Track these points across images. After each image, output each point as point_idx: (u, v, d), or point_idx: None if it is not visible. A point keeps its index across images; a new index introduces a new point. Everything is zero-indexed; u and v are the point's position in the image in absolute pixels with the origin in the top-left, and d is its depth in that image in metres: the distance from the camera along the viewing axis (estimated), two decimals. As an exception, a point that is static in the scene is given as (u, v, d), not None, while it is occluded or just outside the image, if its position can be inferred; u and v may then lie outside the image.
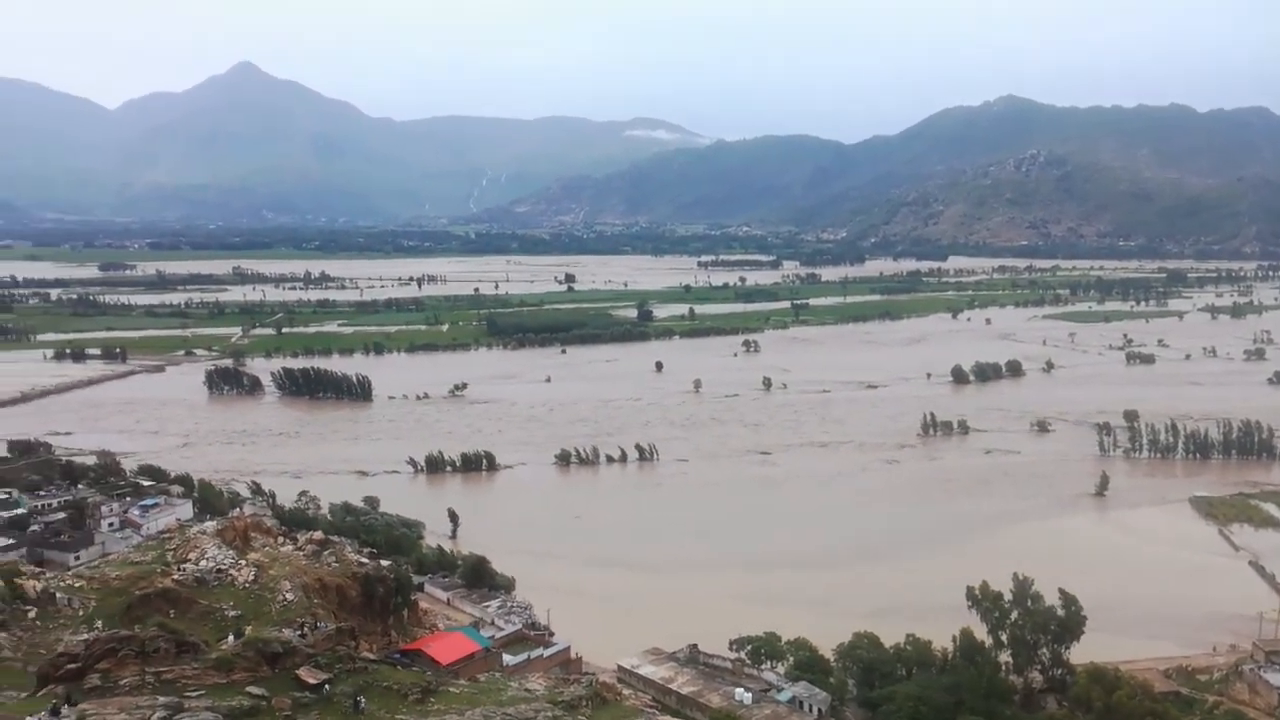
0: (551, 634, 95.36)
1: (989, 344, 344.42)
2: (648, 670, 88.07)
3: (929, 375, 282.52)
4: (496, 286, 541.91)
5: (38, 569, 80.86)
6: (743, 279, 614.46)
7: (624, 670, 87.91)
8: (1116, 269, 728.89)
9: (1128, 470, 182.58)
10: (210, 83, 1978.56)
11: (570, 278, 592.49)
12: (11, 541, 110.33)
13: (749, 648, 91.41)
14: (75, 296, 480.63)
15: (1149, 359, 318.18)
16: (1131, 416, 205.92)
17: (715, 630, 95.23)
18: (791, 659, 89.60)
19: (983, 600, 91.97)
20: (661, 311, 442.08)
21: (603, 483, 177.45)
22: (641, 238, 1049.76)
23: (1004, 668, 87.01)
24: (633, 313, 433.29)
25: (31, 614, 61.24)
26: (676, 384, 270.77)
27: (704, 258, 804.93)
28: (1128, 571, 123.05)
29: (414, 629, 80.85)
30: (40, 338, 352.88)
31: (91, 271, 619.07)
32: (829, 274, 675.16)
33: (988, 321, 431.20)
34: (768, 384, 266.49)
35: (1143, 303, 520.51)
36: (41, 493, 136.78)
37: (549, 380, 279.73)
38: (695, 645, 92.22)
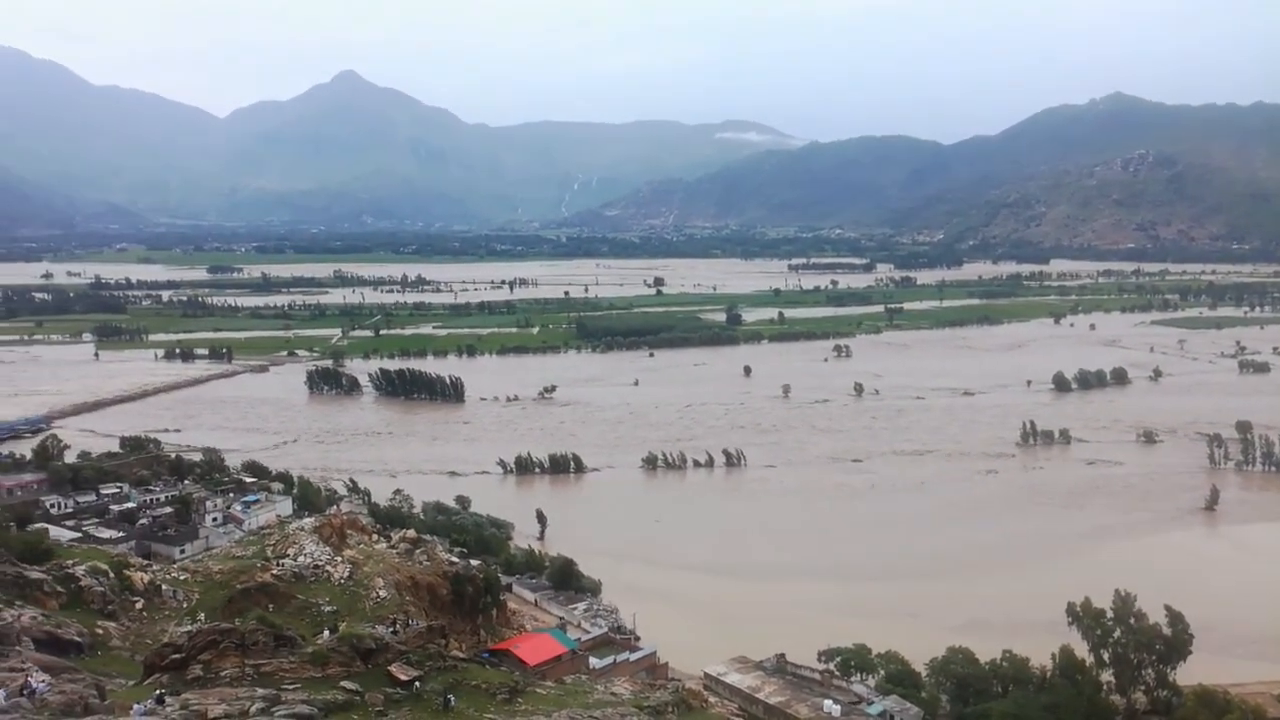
0: (638, 638, 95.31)
1: (1093, 350, 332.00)
2: (734, 678, 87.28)
3: (1029, 382, 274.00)
4: (586, 290, 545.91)
5: (145, 561, 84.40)
6: (834, 282, 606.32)
7: (710, 677, 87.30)
8: (1230, 273, 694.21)
9: (1240, 484, 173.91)
10: (315, 91, 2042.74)
11: (659, 281, 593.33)
12: (121, 534, 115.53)
13: (838, 659, 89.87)
14: (185, 298, 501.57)
15: (1263, 368, 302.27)
16: (1244, 428, 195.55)
17: (803, 640, 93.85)
18: (882, 672, 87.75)
19: (1084, 617, 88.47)
20: (750, 315, 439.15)
21: (689, 487, 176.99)
22: (731, 241, 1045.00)
23: (1106, 688, 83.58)
24: (721, 316, 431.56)
25: (139, 605, 63.89)
26: (765, 389, 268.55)
27: (795, 261, 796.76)
28: (1238, 589, 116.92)
29: (502, 629, 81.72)
30: (152, 338, 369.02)
31: (201, 274, 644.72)
32: (925, 277, 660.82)
33: (1092, 327, 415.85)
34: (859, 390, 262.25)
35: (1258, 308, 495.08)
36: (150, 488, 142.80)
37: (636, 383, 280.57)
38: (783, 655, 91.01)
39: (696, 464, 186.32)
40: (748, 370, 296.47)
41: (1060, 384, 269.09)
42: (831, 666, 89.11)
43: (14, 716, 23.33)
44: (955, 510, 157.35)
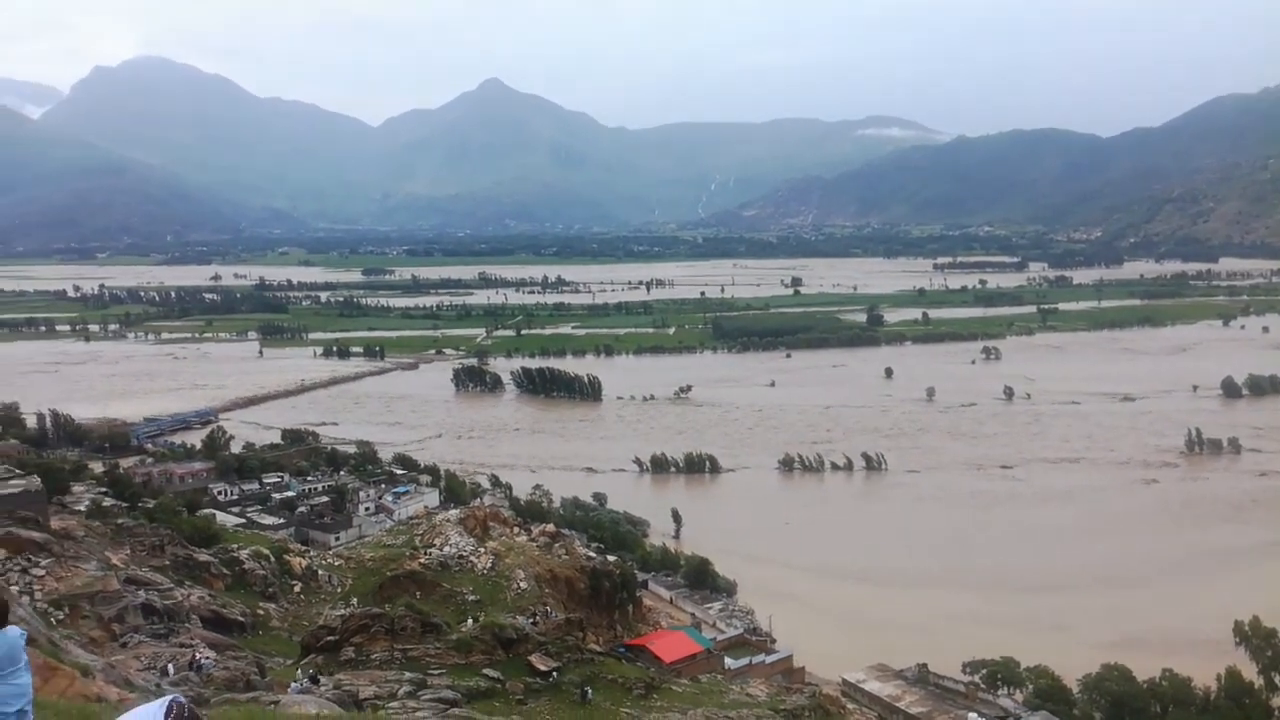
0: (773, 641, 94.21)
1: (1266, 354, 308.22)
2: (873, 686, 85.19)
3: (1195, 388, 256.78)
4: (722, 290, 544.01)
5: (303, 547, 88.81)
6: (983, 282, 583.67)
7: (848, 684, 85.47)
8: None
9: None
10: (461, 99, 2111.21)
11: (797, 281, 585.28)
12: (282, 521, 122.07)
13: (984, 671, 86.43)
14: (342, 299, 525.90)
15: None
16: None
17: (944, 650, 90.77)
18: (1031, 687, 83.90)
19: (1253, 637, 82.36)
20: (892, 316, 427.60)
21: (827, 491, 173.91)
22: (873, 240, 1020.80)
23: (1276, 713, 77.47)
24: (861, 317, 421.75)
25: (297, 588, 67.28)
26: (908, 391, 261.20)
27: (940, 260, 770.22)
28: None
29: (638, 625, 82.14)
30: (311, 336, 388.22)
31: (356, 276, 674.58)
32: (1081, 276, 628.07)
33: (1265, 329, 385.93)
34: (1009, 394, 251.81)
35: None
36: (308, 478, 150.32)
37: (773, 384, 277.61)
38: (925, 664, 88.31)
39: (835, 467, 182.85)
40: (889, 372, 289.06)
41: (1229, 389, 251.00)
42: (977, 679, 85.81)
43: (183, 689, 24.75)
44: (1110, 521, 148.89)
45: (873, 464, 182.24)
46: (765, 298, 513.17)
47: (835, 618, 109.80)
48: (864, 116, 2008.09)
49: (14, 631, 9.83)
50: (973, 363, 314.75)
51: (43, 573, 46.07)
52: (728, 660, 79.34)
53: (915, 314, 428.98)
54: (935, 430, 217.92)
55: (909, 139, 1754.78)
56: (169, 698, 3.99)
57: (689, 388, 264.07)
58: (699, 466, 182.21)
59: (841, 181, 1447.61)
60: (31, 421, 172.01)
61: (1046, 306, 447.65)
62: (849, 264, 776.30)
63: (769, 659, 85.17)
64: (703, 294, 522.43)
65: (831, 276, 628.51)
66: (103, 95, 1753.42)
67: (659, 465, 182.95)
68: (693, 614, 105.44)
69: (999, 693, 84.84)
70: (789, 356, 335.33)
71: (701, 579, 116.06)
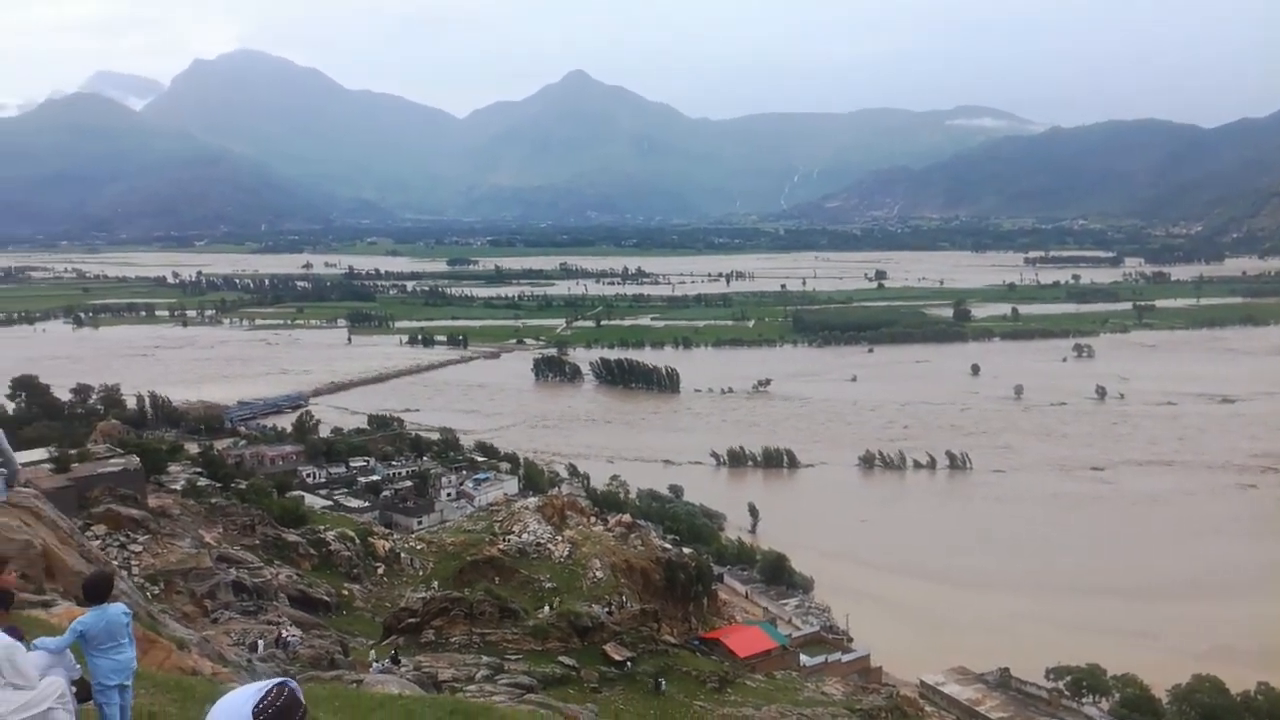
0: (850, 639, 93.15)
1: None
2: (953, 689, 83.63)
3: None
4: (804, 283, 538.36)
5: (387, 530, 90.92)
6: (1076, 277, 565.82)
7: (926, 686, 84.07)
8: None
9: None
10: (545, 91, 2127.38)
11: (881, 274, 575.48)
12: (367, 504, 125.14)
13: (1068, 678, 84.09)
14: (427, 288, 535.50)
15: None
16: None
17: (1028, 655, 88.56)
18: (1117, 695, 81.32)
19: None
20: (980, 311, 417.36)
21: (908, 489, 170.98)
22: (961, 232, 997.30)
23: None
24: (948, 312, 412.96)
25: (380, 570, 68.93)
26: (995, 389, 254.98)
27: (1031, 254, 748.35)
28: None
29: (713, 618, 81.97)
30: (397, 325, 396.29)
31: (440, 266, 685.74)
32: (1179, 273, 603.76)
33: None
34: (1102, 393, 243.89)
35: None
36: (393, 463, 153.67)
37: (854, 379, 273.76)
38: (1006, 669, 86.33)
39: (917, 465, 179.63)
40: (976, 369, 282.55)
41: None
42: (1061, 685, 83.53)
43: (270, 665, 25.59)
44: (1204, 527, 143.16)
45: (956, 463, 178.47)
46: (848, 291, 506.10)
47: (914, 618, 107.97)
48: (954, 106, 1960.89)
49: (118, 608, 10.26)
50: (1064, 361, 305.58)
51: (140, 548, 48.05)
52: (803, 657, 78.72)
53: (1004, 309, 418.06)
54: (1022, 429, 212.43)
55: (1000, 129, 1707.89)
56: (274, 680, 4.11)
57: (768, 381, 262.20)
58: (777, 461, 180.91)
59: (929, 173, 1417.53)
60: (131, 403, 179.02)
61: (1143, 303, 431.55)
62: (936, 257, 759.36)
63: (845, 657, 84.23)
64: (783, 287, 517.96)
65: (917, 270, 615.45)
66: (201, 88, 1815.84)
67: (736, 459, 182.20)
68: (768, 609, 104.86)
69: (1084, 701, 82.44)
70: (871, 351, 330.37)
71: (778, 574, 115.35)
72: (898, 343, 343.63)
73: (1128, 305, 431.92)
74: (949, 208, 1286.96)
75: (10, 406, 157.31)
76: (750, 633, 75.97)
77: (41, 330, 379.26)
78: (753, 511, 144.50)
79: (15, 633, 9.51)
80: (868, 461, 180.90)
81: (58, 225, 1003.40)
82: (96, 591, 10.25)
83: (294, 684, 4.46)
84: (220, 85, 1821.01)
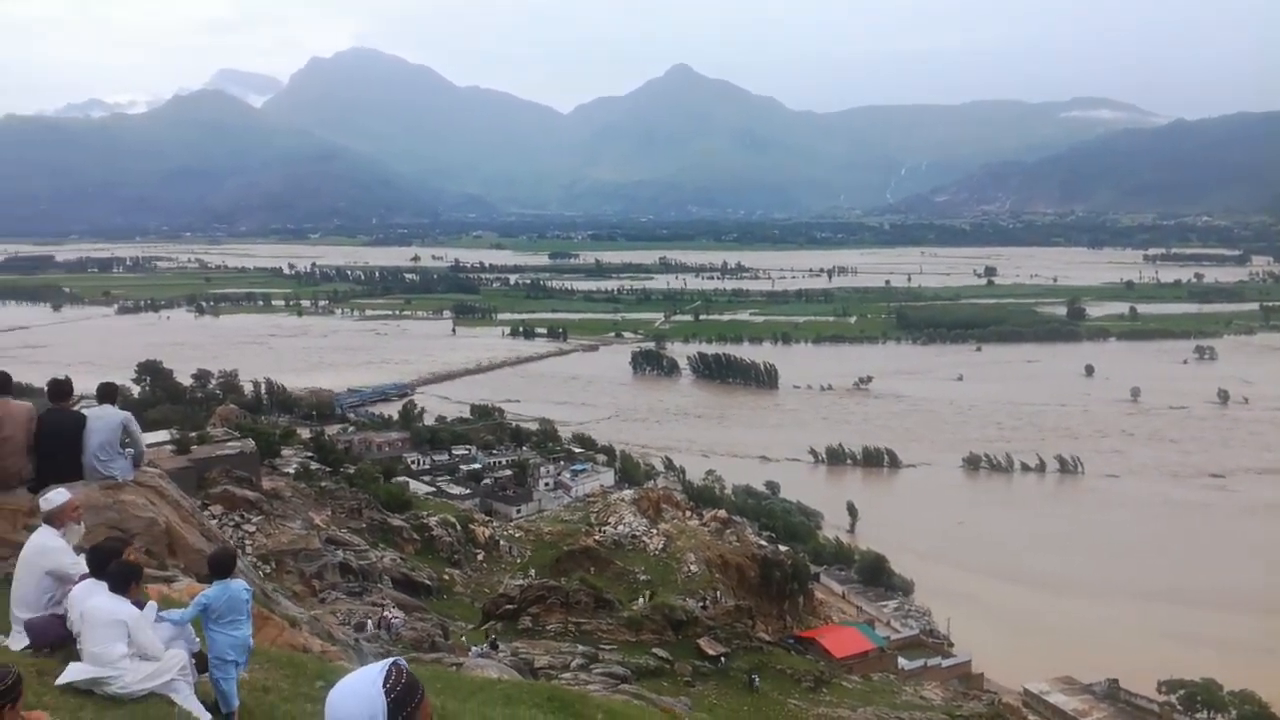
0: (951, 644, 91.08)
1: None
2: (1058, 699, 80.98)
3: None
4: (909, 279, 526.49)
5: (487, 518, 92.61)
6: (1199, 275, 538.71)
7: (1030, 695, 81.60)
8: None
9: None
10: (649, 86, 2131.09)
11: (990, 271, 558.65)
12: (468, 492, 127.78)
13: (1181, 692, 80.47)
14: (528, 281, 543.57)
15: None
16: None
17: (1138, 666, 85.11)
18: (1234, 713, 77.45)
19: None
20: (1096, 310, 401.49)
21: (1014, 492, 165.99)
22: (1076, 228, 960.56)
23: None
24: (1061, 310, 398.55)
25: (480, 557, 70.31)
26: (1109, 391, 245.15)
27: (1151, 251, 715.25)
28: None
29: (809, 617, 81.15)
30: (500, 317, 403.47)
31: (542, 259, 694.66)
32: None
33: None
34: (1224, 397, 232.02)
35: None
36: (494, 451, 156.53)
37: (960, 378, 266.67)
38: (1115, 680, 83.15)
39: (1025, 468, 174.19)
40: (1089, 370, 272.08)
41: None
42: (1173, 699, 80.00)
43: (374, 646, 26.41)
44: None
45: (1067, 467, 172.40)
46: (955, 287, 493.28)
47: (1019, 624, 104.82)
48: (1070, 98, 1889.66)
49: (239, 584, 10.71)
50: (1184, 363, 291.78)
51: (254, 529, 50.15)
52: (901, 660, 77.29)
53: (1121, 308, 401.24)
54: (1138, 433, 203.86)
55: (1120, 121, 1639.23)
56: (388, 661, 4.23)
57: (869, 379, 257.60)
58: (877, 460, 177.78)
59: (1043, 166, 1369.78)
60: (248, 388, 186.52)
61: (1270, 304, 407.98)
62: (1049, 253, 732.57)
63: (945, 662, 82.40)
64: (887, 282, 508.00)
65: (1029, 266, 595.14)
66: (318, 85, 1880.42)
67: (835, 456, 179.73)
68: (866, 610, 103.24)
69: (1198, 716, 78.81)
70: (979, 350, 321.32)
71: (876, 575, 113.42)
72: (1007, 341, 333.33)
73: (1254, 306, 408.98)
74: (1064, 202, 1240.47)
75: (136, 390, 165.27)
76: (847, 633, 74.95)
77: (166, 317, 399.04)
78: (851, 511, 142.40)
79: (143, 606, 10.03)
80: (973, 463, 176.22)
81: (182, 218, 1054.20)
82: (221, 567, 10.69)
83: (404, 664, 4.53)
84: (336, 83, 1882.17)
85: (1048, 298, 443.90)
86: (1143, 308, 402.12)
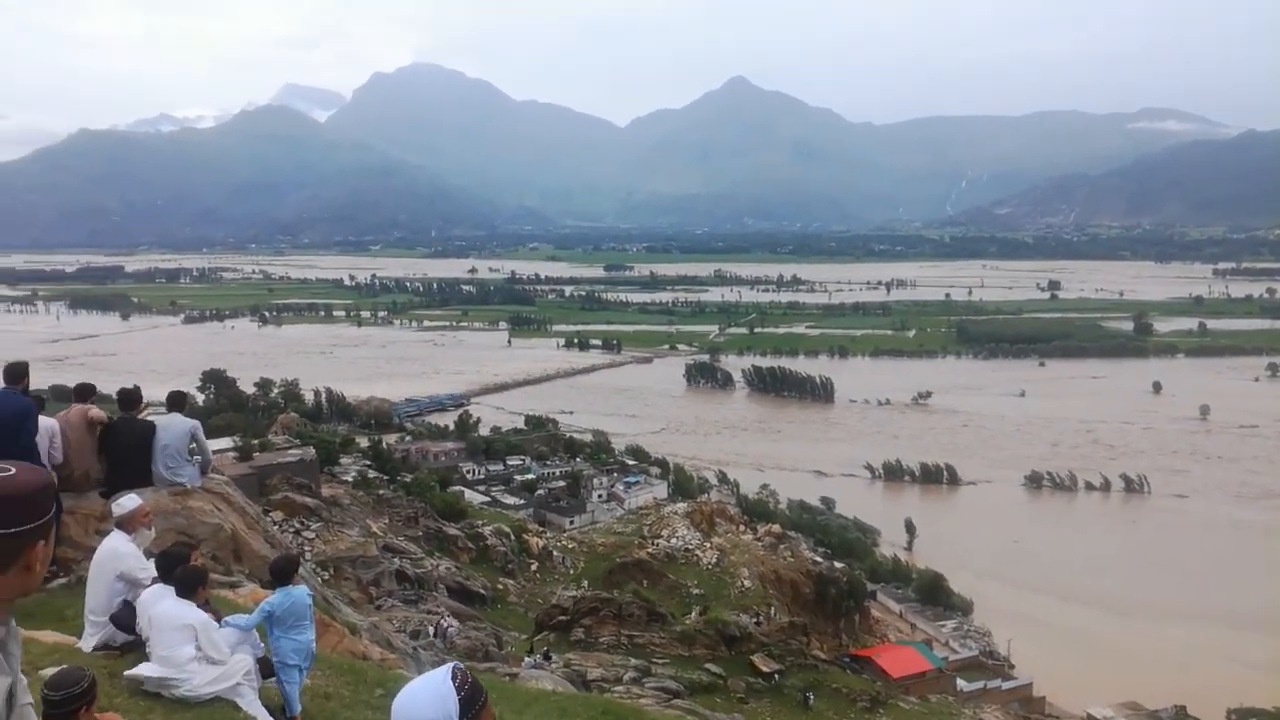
0: (1012, 666, 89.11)
1: None
2: (1122, 726, 78.67)
3: None
4: (969, 292, 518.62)
5: (540, 528, 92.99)
6: (1271, 290, 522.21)
7: (1093, 720, 79.41)
8: None
9: None
10: (706, 98, 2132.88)
11: (1054, 284, 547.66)
12: (522, 502, 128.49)
13: (1253, 721, 77.79)
14: (584, 293, 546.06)
15: None
16: None
17: (1206, 693, 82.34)
18: (1312, 746, 74.59)
19: None
20: (1163, 325, 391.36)
21: (1078, 511, 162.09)
22: (1143, 242, 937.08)
23: None
24: (1127, 325, 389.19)
25: (533, 567, 70.63)
26: (1178, 409, 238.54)
27: (1222, 265, 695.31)
28: None
29: (864, 636, 79.97)
30: (555, 328, 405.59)
31: (597, 271, 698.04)
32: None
33: None
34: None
35: None
36: (547, 462, 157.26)
37: (1023, 394, 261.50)
38: (1183, 707, 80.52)
39: (1089, 486, 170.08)
40: (1157, 387, 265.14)
41: None
42: (1245, 730, 77.30)
43: (430, 654, 26.62)
44: None
45: (1133, 486, 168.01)
46: (1017, 301, 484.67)
47: (1082, 648, 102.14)
48: (1137, 109, 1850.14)
49: (302, 590, 10.87)
50: (1256, 380, 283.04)
51: (313, 535, 50.96)
52: (960, 682, 75.75)
53: (1190, 324, 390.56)
54: (1208, 453, 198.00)
55: (1188, 133, 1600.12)
56: (451, 665, 4.32)
57: (928, 393, 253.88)
58: (936, 477, 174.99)
59: (1109, 178, 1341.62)
60: (309, 397, 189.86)
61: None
62: (1115, 267, 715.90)
63: (1006, 685, 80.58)
64: (947, 296, 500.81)
65: (1094, 280, 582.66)
66: (379, 100, 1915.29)
67: (892, 472, 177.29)
68: (923, 629, 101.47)
69: (1273, 750, 76.11)
70: (1042, 365, 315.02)
71: (934, 594, 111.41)
72: (1071, 357, 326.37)
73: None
74: (1130, 215, 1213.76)
75: (201, 398, 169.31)
76: (904, 653, 73.69)
77: (231, 327, 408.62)
78: (909, 528, 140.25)
79: (210, 610, 10.23)
80: (1035, 481, 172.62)
81: (248, 230, 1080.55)
82: (284, 573, 10.86)
83: (462, 665, 4.61)
84: (397, 97, 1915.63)
85: (1113, 312, 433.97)
86: (1212, 323, 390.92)
